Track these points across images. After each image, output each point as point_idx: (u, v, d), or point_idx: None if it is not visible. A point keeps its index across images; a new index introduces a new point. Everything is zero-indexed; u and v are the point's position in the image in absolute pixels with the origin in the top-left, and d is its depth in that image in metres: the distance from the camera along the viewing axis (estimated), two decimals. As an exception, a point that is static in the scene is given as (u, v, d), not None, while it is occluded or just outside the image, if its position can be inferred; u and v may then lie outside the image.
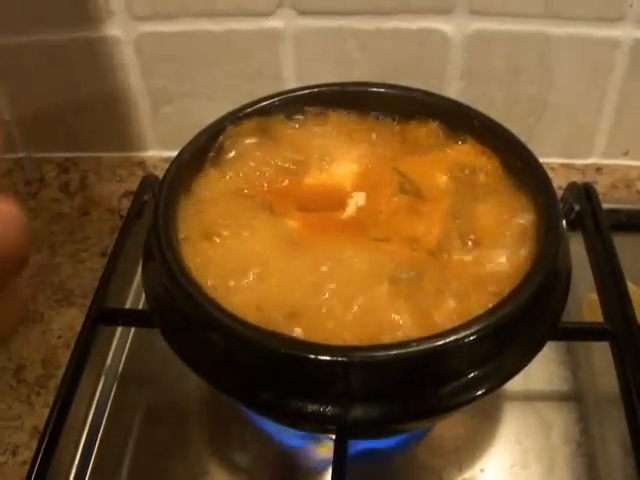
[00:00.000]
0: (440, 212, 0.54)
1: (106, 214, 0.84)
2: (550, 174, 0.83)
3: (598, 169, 0.87)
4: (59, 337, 0.70)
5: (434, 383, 0.44)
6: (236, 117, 0.59)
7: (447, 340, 0.42)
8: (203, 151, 0.57)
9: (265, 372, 0.45)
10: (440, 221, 0.53)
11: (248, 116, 0.60)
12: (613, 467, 0.57)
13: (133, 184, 0.75)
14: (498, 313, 0.43)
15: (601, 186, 0.84)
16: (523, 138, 0.57)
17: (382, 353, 0.42)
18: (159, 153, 0.91)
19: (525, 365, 0.47)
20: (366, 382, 0.44)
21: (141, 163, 0.91)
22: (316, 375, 0.43)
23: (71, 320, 0.71)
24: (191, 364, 0.48)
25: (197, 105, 0.84)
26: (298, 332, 0.45)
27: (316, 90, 0.62)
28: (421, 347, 0.42)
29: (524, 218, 0.52)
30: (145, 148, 0.91)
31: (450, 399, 0.44)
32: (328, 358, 0.42)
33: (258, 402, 0.46)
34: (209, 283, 0.48)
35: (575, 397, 0.63)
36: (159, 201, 0.52)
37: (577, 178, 0.83)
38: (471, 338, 0.42)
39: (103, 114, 0.87)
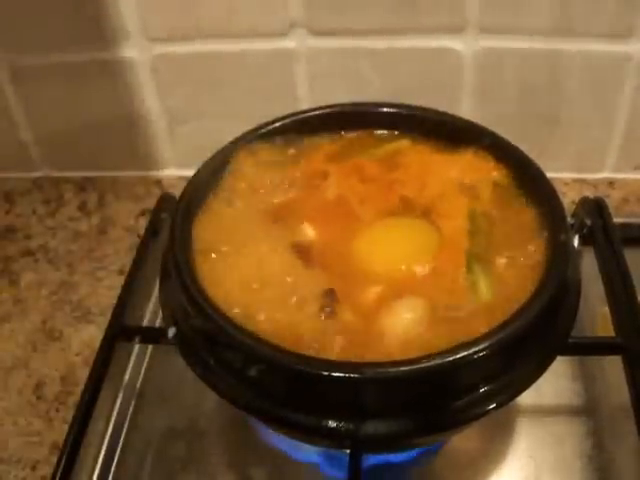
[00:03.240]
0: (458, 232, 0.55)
1: (123, 232, 0.85)
2: (563, 189, 0.85)
3: (610, 183, 0.87)
4: (78, 354, 0.71)
5: (445, 398, 0.45)
6: (251, 137, 0.60)
7: (457, 356, 0.43)
8: (219, 170, 0.59)
9: (281, 389, 0.46)
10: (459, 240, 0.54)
11: (263, 136, 0.61)
12: (626, 480, 0.58)
13: (150, 203, 0.76)
14: (507, 329, 0.44)
15: (613, 200, 0.84)
16: (535, 154, 0.57)
17: (394, 369, 0.43)
18: (175, 172, 0.92)
19: (535, 380, 0.47)
20: (379, 397, 0.44)
21: (158, 182, 0.92)
22: (330, 391, 0.44)
23: (89, 337, 0.73)
24: (209, 383, 0.48)
25: (212, 125, 0.85)
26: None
27: (329, 110, 0.63)
28: (432, 363, 0.42)
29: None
30: (162, 167, 0.92)
31: (461, 413, 0.45)
32: (341, 375, 0.42)
33: (275, 418, 0.47)
34: (225, 299, 0.49)
35: (587, 411, 0.63)
36: (176, 220, 0.53)
37: (590, 192, 0.83)
38: (481, 354, 0.43)
39: (120, 134, 0.89)
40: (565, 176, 0.87)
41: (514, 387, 0.46)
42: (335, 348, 0.46)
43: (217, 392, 0.48)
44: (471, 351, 0.43)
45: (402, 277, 0.52)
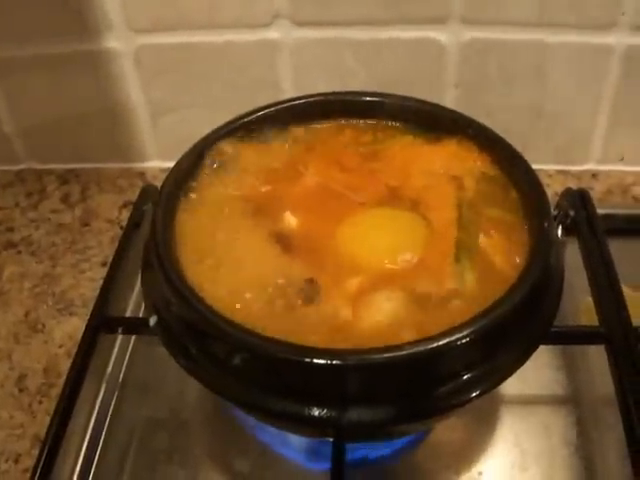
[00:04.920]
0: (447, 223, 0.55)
1: (106, 224, 0.85)
2: (547, 181, 0.85)
3: (594, 175, 0.88)
4: (60, 346, 0.71)
5: (428, 385, 0.45)
6: (233, 127, 0.60)
7: (440, 343, 0.42)
8: (200, 160, 0.58)
9: (264, 377, 0.46)
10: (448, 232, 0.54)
11: (244, 125, 0.60)
12: (610, 469, 0.58)
13: (133, 195, 0.75)
14: (490, 316, 0.44)
15: (597, 192, 0.85)
16: (519, 146, 0.57)
17: (377, 355, 0.42)
18: (159, 164, 0.92)
19: (518, 367, 0.47)
20: (362, 385, 0.44)
21: (141, 174, 0.92)
22: (312, 379, 0.44)
23: (72, 329, 0.72)
24: (191, 372, 0.48)
25: (196, 116, 0.84)
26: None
27: (312, 100, 0.63)
28: (415, 350, 0.42)
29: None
30: (145, 159, 0.92)
31: (444, 401, 0.45)
32: (324, 362, 0.42)
33: (257, 407, 0.47)
34: (207, 288, 0.49)
35: (572, 400, 0.63)
36: (157, 211, 0.53)
37: (573, 184, 0.83)
38: (463, 341, 0.43)
39: (103, 126, 0.88)
40: (549, 168, 0.87)
41: (497, 375, 0.46)
42: (317, 336, 0.46)
43: (199, 380, 0.48)
44: (454, 338, 0.43)
45: (386, 268, 0.52)
